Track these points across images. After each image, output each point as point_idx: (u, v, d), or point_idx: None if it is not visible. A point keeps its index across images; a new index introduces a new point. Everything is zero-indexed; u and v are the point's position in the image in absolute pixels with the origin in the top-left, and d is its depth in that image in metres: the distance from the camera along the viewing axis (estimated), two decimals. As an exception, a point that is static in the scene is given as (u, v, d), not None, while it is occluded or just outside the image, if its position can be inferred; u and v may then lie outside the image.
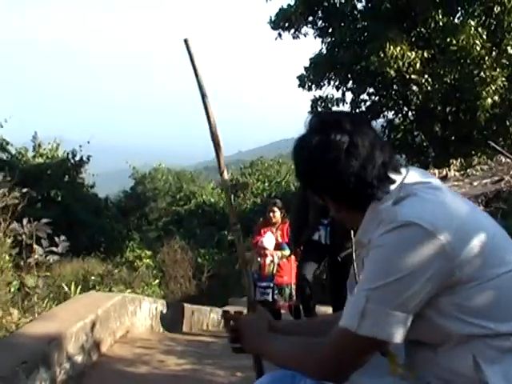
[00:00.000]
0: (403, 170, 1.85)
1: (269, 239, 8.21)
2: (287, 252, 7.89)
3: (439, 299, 1.68)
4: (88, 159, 20.96)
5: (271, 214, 8.51)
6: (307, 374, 1.81)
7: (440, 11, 16.29)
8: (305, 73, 19.73)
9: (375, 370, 1.92)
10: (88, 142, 20.50)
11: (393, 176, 1.82)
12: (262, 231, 8.39)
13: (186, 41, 2.18)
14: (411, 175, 1.84)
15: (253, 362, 2.19)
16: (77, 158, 20.72)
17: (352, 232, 5.31)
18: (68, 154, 20.75)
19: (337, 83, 19.27)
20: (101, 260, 16.65)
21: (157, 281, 14.66)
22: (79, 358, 4.19)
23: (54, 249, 6.23)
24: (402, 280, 1.64)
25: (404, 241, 1.65)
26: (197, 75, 2.19)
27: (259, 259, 8.01)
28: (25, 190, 6.54)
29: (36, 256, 6.01)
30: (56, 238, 6.40)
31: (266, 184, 28.39)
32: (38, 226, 6.07)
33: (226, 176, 2.22)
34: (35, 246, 6.08)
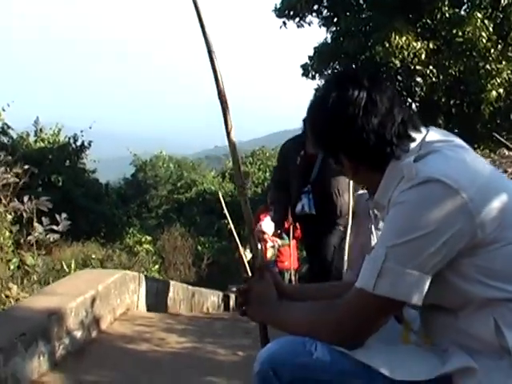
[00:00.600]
0: (423, 129, 1.79)
1: (268, 224, 8.10)
2: (286, 241, 7.82)
3: (460, 261, 1.62)
4: (89, 144, 20.89)
5: None
6: (321, 338, 1.74)
7: (446, 2, 16.13)
8: (309, 62, 19.58)
9: (389, 336, 1.87)
10: (90, 128, 20.43)
11: (413, 134, 1.77)
12: (262, 216, 8.17)
13: (193, -6, 2.11)
14: (432, 134, 1.78)
15: (259, 331, 2.14)
16: (78, 144, 20.66)
17: (340, 203, 5.33)
18: (69, 138, 20.70)
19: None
20: (101, 245, 16.65)
21: (156, 266, 14.66)
22: (79, 334, 4.14)
23: (55, 227, 6.18)
24: (423, 238, 1.58)
25: (426, 197, 1.59)
26: (203, 30, 2.11)
27: (259, 245, 7.93)
28: (26, 167, 6.48)
29: (36, 234, 5.96)
30: (57, 216, 6.35)
31: (267, 174, 28.32)
32: (39, 202, 6.02)
33: (234, 136, 2.15)
34: (36, 223, 6.04)
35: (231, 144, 2.14)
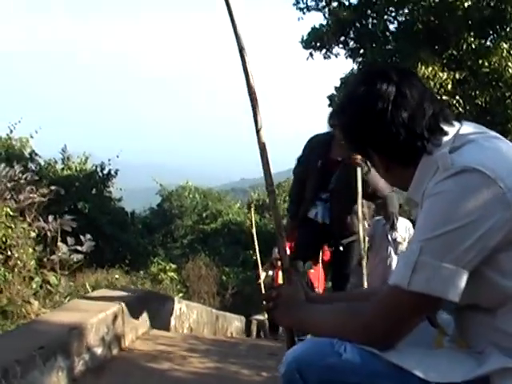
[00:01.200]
0: (456, 123, 1.73)
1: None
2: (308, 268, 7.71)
3: (498, 256, 1.55)
4: (116, 173, 20.98)
5: None
6: (351, 339, 1.67)
7: (472, 33, 16.18)
8: (335, 92, 19.67)
9: (423, 341, 1.79)
10: (117, 157, 20.58)
11: (445, 128, 1.71)
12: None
13: (224, -8, 2.09)
14: (466, 127, 1.73)
15: (286, 335, 2.08)
16: (105, 172, 20.76)
17: (359, 213, 5.11)
18: (96, 167, 20.82)
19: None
20: (125, 272, 16.61)
21: (180, 294, 14.55)
22: (99, 350, 4.07)
23: (79, 247, 6.17)
24: (460, 229, 1.52)
25: (463, 187, 1.53)
26: (235, 27, 2.10)
27: (270, 272, 7.79)
28: (52, 188, 6.50)
29: (60, 253, 5.94)
30: (81, 237, 6.34)
31: (293, 205, 28.24)
32: (63, 221, 6.02)
33: (263, 136, 2.11)
34: (60, 243, 6.03)
35: (260, 143, 2.10)
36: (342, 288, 5.29)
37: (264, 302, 2.02)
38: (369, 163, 1.89)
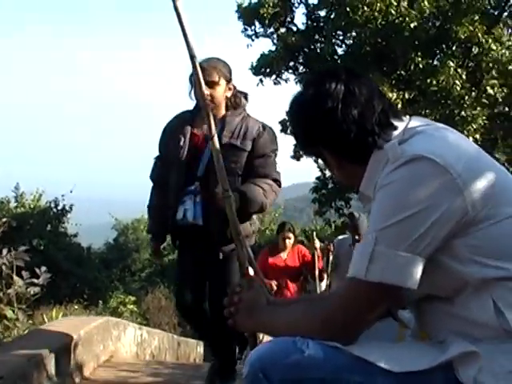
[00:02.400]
0: (405, 118, 1.77)
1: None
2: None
3: (453, 242, 1.56)
4: (70, 208, 20.84)
5: (286, 241, 7.69)
6: (312, 334, 1.65)
7: (419, 53, 16.51)
8: (287, 118, 19.80)
9: (384, 336, 1.79)
10: (71, 192, 20.45)
11: (395, 122, 1.74)
12: (271, 260, 7.69)
13: (174, 1, 2.09)
14: (414, 121, 1.76)
15: (249, 341, 2.05)
16: (59, 208, 20.59)
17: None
18: (50, 203, 20.64)
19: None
20: (83, 307, 16.41)
21: (138, 325, 14.39)
22: (60, 380, 3.96)
23: (35, 280, 6.03)
24: (413, 217, 1.53)
25: (413, 175, 1.55)
26: (185, 36, 2.09)
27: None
28: (4, 220, 6.36)
29: (16, 287, 5.80)
30: (37, 270, 6.21)
31: (262, 240, 28.28)
32: (17, 254, 5.88)
33: (217, 142, 2.10)
34: (15, 277, 5.89)
35: (214, 149, 2.10)
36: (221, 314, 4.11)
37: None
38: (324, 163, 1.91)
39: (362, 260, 1.58)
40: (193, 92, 3.88)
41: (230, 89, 3.97)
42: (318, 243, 7.75)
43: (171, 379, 4.69)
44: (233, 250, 3.54)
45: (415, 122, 1.75)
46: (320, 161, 1.98)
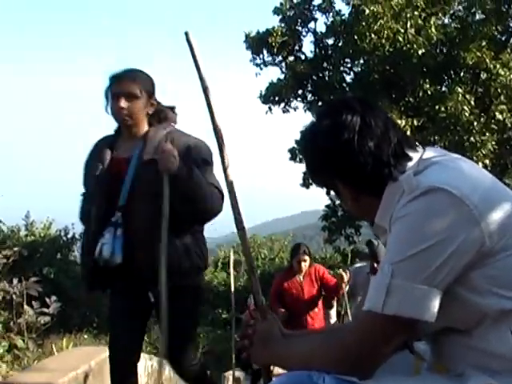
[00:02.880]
0: (420, 148, 1.76)
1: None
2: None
3: (470, 274, 1.55)
4: (80, 237, 20.83)
5: (302, 265, 7.14)
6: (328, 368, 1.62)
7: (427, 80, 16.60)
8: (296, 146, 19.86)
9: (401, 369, 1.77)
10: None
11: (410, 153, 1.73)
12: (286, 285, 7.20)
13: (186, 34, 2.10)
14: (429, 152, 1.75)
15: (263, 374, 2.04)
16: (69, 236, 20.58)
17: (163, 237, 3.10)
18: (60, 231, 20.63)
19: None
20: (93, 337, 16.33)
21: (149, 355, 14.30)
22: (72, 412, 3.96)
23: (45, 309, 6.05)
24: (430, 249, 1.51)
25: (429, 207, 1.54)
26: (198, 68, 2.11)
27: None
28: (16, 249, 6.40)
29: (26, 316, 5.82)
30: (47, 299, 6.22)
31: (259, 261, 28.19)
32: (28, 284, 5.91)
33: (231, 174, 2.10)
34: (26, 306, 5.91)
35: (228, 181, 2.09)
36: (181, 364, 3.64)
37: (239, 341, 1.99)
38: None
39: (378, 293, 1.57)
40: (109, 108, 3.36)
41: (152, 104, 3.42)
42: (346, 277, 7.09)
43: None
44: (172, 287, 3.12)
45: (430, 153, 1.74)
46: (332, 192, 1.97)
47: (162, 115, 3.49)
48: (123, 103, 3.29)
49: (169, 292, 3.10)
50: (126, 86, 3.30)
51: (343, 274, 7.08)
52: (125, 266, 3.24)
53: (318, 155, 1.79)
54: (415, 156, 1.73)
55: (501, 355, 1.57)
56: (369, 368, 1.62)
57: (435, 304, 1.54)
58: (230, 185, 2.07)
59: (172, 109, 3.58)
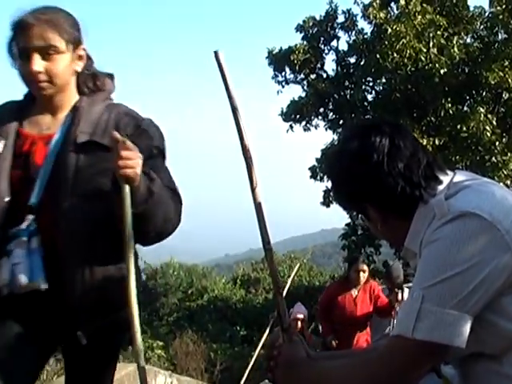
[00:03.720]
0: (450, 172, 1.75)
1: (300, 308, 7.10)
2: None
3: (501, 299, 1.54)
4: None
5: (360, 275, 6.64)
6: None
7: (449, 99, 16.57)
8: (316, 164, 19.86)
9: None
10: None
11: (440, 176, 1.72)
12: (340, 298, 6.66)
13: (216, 53, 2.10)
14: (459, 175, 1.74)
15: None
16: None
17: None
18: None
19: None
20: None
21: (169, 372, 14.28)
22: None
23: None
24: (461, 274, 1.50)
25: (462, 232, 1.52)
26: (227, 88, 2.10)
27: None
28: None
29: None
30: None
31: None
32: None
33: (259, 195, 2.09)
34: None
35: (256, 202, 2.08)
36: None
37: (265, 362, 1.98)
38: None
39: (408, 318, 1.56)
40: (18, 64, 2.31)
41: (80, 57, 2.39)
42: (399, 295, 6.42)
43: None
44: (101, 327, 2.35)
45: (461, 177, 1.73)
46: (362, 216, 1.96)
47: (98, 82, 2.47)
48: (38, 63, 2.24)
49: (97, 331, 2.34)
50: (41, 35, 2.23)
51: (399, 293, 6.44)
52: (48, 293, 2.20)
53: (347, 178, 1.79)
54: (445, 179, 1.73)
55: None
56: None
57: (466, 330, 1.52)
58: (258, 206, 2.06)
59: (110, 76, 2.55)
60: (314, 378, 1.80)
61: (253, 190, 2.07)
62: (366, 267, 6.73)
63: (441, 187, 1.70)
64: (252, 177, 2.07)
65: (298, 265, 6.00)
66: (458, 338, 1.52)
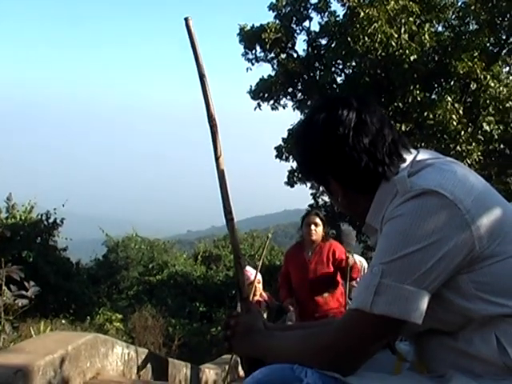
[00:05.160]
0: (413, 150, 1.76)
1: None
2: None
3: (458, 278, 1.56)
4: (62, 222, 20.73)
5: (311, 229, 5.99)
6: (312, 364, 1.63)
7: (418, 86, 16.65)
8: (283, 143, 19.88)
9: (382, 368, 1.77)
10: (63, 206, 20.35)
11: (403, 154, 1.73)
12: (294, 262, 6.20)
13: (186, 19, 2.09)
14: (422, 154, 1.76)
15: (243, 365, 2.04)
16: (50, 221, 20.48)
17: None
18: (41, 216, 20.54)
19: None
20: (69, 322, 16.28)
21: (126, 344, 14.28)
22: (46, 395, 3.93)
23: (24, 292, 6.01)
24: (421, 251, 1.52)
25: (423, 209, 1.54)
26: (196, 55, 2.09)
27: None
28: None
29: (5, 298, 5.78)
30: (26, 283, 6.19)
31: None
32: (11, 269, 5.87)
33: (223, 163, 2.09)
34: (4, 287, 5.87)
35: (220, 170, 2.08)
36: None
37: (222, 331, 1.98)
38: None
39: (367, 292, 1.57)
40: None
41: None
42: (351, 259, 6.10)
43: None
44: None
45: (424, 155, 1.74)
46: (321, 189, 1.97)
47: None
48: None
49: None
50: None
51: (350, 257, 6.09)
52: None
53: (312, 148, 1.78)
54: (409, 157, 1.73)
55: (484, 359, 1.58)
56: (352, 365, 1.62)
57: (423, 306, 1.54)
58: (221, 173, 2.06)
59: None
60: (269, 347, 1.81)
61: (217, 158, 2.07)
62: (318, 220, 6.03)
63: (404, 165, 1.71)
64: (216, 145, 2.07)
65: (268, 236, 5.49)
66: (415, 313, 1.53)
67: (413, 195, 1.58)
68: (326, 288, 6.06)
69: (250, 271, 6.63)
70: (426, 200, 1.56)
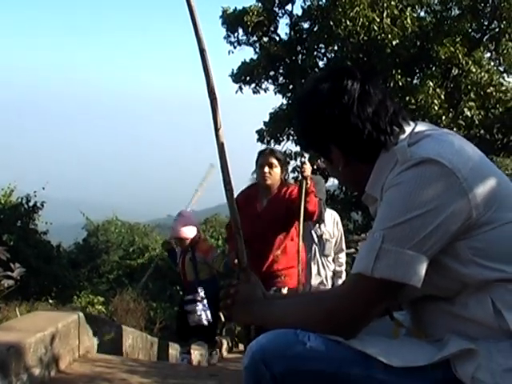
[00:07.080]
0: (411, 122, 1.82)
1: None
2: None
3: (455, 244, 1.62)
4: (42, 205, 20.60)
5: (265, 170, 4.95)
6: (315, 328, 1.68)
7: (399, 71, 16.69)
8: (264, 127, 19.88)
9: (381, 333, 1.82)
10: (43, 189, 20.23)
11: (403, 125, 1.79)
12: (244, 209, 4.39)
13: (186, -7, 2.10)
14: (420, 126, 1.82)
15: (244, 335, 2.07)
16: (30, 204, 20.36)
17: None
18: (22, 199, 20.40)
19: (296, 138, 19.40)
20: (51, 306, 16.23)
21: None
22: (37, 371, 3.95)
23: (10, 273, 6.00)
24: (420, 217, 1.58)
25: (423, 177, 1.60)
26: (196, 29, 2.11)
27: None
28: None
29: (-11, 279, 5.76)
30: (11, 265, 6.18)
31: (220, 241, 28.23)
32: (-3, 249, 5.86)
33: (222, 135, 2.12)
34: (-11, 268, 5.85)
35: (219, 142, 2.11)
36: None
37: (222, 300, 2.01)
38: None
39: (368, 257, 1.62)
40: None
41: None
42: (308, 168, 4.88)
43: (146, 376, 4.67)
44: None
45: (422, 127, 1.80)
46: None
47: None
48: None
49: None
50: None
51: (306, 165, 4.91)
52: None
53: (316, 117, 1.82)
54: (407, 129, 1.79)
55: (480, 322, 1.64)
56: (355, 328, 1.68)
57: (422, 270, 1.60)
58: (220, 146, 2.09)
59: None
60: (271, 314, 1.86)
61: (217, 130, 2.10)
62: (275, 160, 4.99)
63: (403, 136, 1.76)
64: (216, 118, 2.10)
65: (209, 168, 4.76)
66: (415, 276, 1.59)
67: (413, 164, 1.63)
68: (280, 244, 5.07)
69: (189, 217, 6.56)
70: (426, 168, 1.61)
